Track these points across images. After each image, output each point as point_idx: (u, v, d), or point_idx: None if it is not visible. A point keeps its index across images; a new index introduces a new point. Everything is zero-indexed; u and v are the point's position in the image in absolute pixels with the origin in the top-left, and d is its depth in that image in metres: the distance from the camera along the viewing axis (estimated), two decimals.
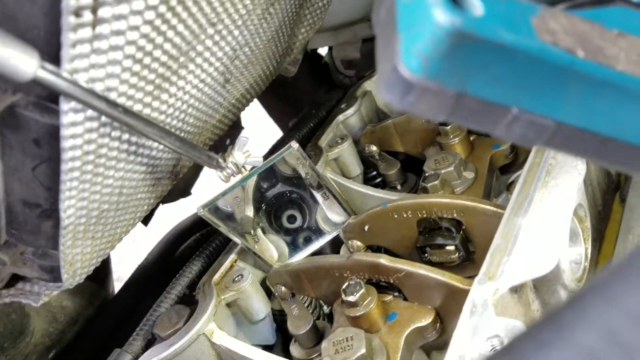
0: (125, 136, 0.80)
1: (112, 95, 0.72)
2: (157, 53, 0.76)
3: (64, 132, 0.70)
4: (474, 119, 0.50)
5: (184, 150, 0.84)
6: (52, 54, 0.67)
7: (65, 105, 0.68)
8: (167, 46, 0.78)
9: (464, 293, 0.91)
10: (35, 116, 0.72)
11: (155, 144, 0.90)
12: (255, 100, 2.37)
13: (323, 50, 2.30)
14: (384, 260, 0.97)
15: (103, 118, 0.73)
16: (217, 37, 0.89)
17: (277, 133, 2.79)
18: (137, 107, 0.79)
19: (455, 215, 1.01)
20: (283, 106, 2.74)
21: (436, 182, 1.08)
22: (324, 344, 0.93)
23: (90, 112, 0.71)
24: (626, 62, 0.47)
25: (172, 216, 2.03)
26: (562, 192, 0.84)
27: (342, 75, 2.07)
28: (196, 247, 1.95)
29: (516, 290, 0.79)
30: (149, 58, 0.74)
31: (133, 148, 0.84)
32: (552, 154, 0.92)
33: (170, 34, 0.77)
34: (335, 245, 1.33)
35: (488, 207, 0.98)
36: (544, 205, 0.84)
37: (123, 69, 0.70)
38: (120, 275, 3.41)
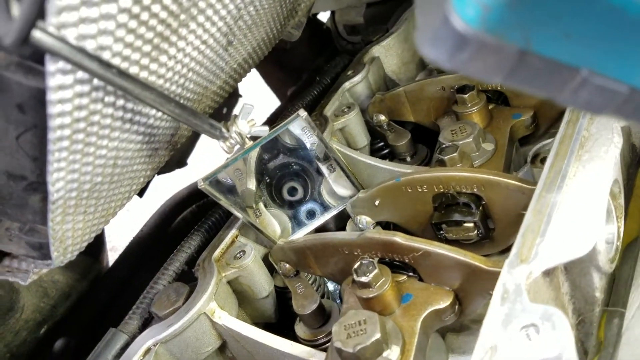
0: (121, 102, 0.72)
1: (105, 55, 0.63)
2: (156, 8, 0.68)
3: (51, 96, 0.62)
4: (536, 81, 0.42)
5: (184, 119, 0.76)
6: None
7: (51, 66, 0.60)
8: (167, 1, 0.69)
9: (487, 274, 0.85)
10: (19, 78, 0.64)
11: (153, 111, 0.82)
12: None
13: (324, 17, 2.20)
14: (399, 238, 0.91)
15: (95, 81, 0.65)
16: None
17: (274, 102, 2.71)
18: (133, 70, 0.70)
19: (475, 190, 0.94)
20: (281, 74, 2.65)
21: (454, 154, 1.01)
22: (334, 328, 0.86)
23: (80, 74, 0.63)
24: None
25: (168, 187, 1.96)
26: (599, 167, 0.77)
27: (345, 41, 1.98)
28: (192, 219, 1.89)
29: (548, 273, 0.73)
30: (146, 13, 0.65)
31: (129, 115, 0.76)
32: (585, 125, 0.84)
33: None
34: (340, 220, 1.26)
35: (512, 181, 0.91)
36: (579, 181, 0.77)
37: (117, 25, 0.62)
38: (115, 245, 3.35)
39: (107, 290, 1.70)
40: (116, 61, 0.66)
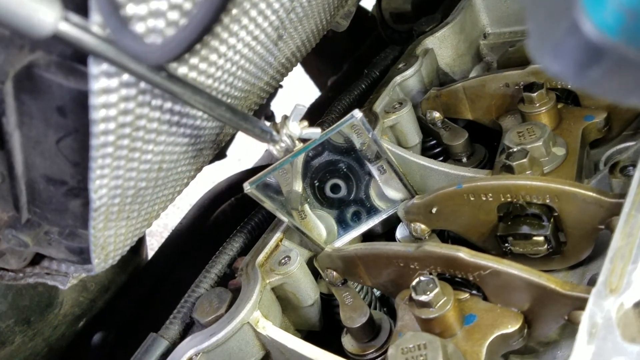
0: (168, 105, 0.66)
1: None
2: None
3: (94, 100, 0.56)
4: None
5: (234, 123, 0.70)
6: (77, 2, 0.52)
7: (95, 68, 0.54)
8: None
9: (562, 297, 0.77)
10: (59, 79, 0.58)
11: (200, 112, 0.75)
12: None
13: (369, 4, 2.11)
14: (464, 254, 0.83)
15: (142, 84, 0.59)
16: None
17: (314, 91, 2.64)
18: (182, 71, 0.64)
19: (547, 201, 0.86)
20: (321, 63, 2.58)
21: (524, 159, 0.92)
22: (391, 350, 0.80)
23: (126, 77, 0.57)
24: None
25: (206, 179, 1.92)
26: None
27: (391, 29, 1.88)
28: (231, 213, 1.85)
29: (638, 304, 0.64)
30: None
31: (176, 118, 0.70)
32: None
33: None
34: (388, 223, 1.19)
35: (590, 193, 0.82)
36: None
37: (168, 23, 0.55)
38: (151, 229, 3.35)
39: (146, 284, 1.68)
40: None
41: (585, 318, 0.62)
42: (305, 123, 0.88)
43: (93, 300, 1.60)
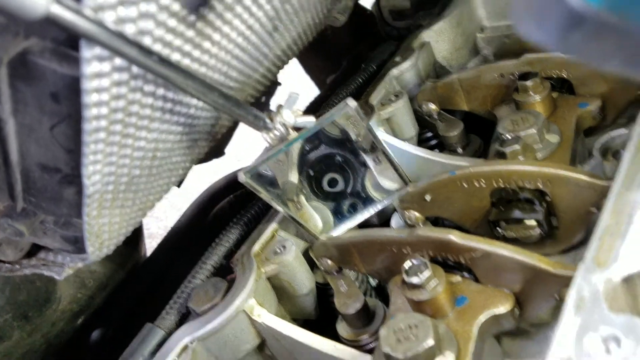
0: (161, 91, 0.67)
1: (146, 41, 0.58)
2: None
3: (87, 84, 0.57)
4: None
5: (227, 109, 0.71)
6: None
7: (87, 52, 0.55)
8: None
9: (553, 277, 0.78)
10: (53, 65, 0.59)
11: (194, 101, 0.76)
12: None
13: (367, 2, 2.12)
14: (455, 237, 0.84)
15: (134, 69, 0.60)
16: None
17: (313, 90, 2.64)
18: (175, 57, 0.65)
19: (539, 185, 0.87)
20: (320, 61, 2.58)
21: (517, 146, 0.93)
22: (382, 331, 0.80)
23: (118, 61, 0.57)
24: None
25: (205, 177, 1.93)
26: None
27: (391, 27, 1.89)
28: (230, 210, 1.86)
29: (627, 279, 0.65)
30: None
31: (169, 105, 0.71)
32: None
33: None
34: (384, 214, 1.20)
35: (582, 176, 0.83)
36: None
37: (160, 8, 0.56)
38: (152, 232, 3.35)
39: (145, 281, 1.68)
40: (157, 47, 0.61)
41: (572, 291, 0.63)
42: (300, 112, 0.88)
43: (91, 297, 1.61)
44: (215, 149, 1.89)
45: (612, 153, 0.86)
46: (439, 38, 1.37)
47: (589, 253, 0.66)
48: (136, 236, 1.78)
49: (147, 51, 0.56)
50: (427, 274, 0.83)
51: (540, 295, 0.81)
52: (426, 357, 0.77)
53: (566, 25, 0.33)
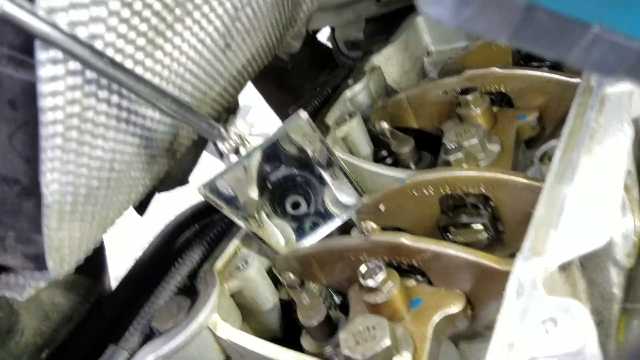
0: (115, 98, 0.70)
1: (98, 45, 0.62)
2: None
3: (42, 88, 0.60)
4: (544, 39, 0.40)
5: (180, 116, 0.74)
6: None
7: (42, 54, 0.58)
8: None
9: (500, 275, 0.81)
10: (9, 71, 0.62)
11: (149, 112, 0.79)
12: (254, 89, 2.25)
13: (324, 38, 2.20)
14: (405, 239, 0.88)
15: (88, 73, 0.63)
16: None
17: (277, 123, 2.69)
18: (128, 64, 0.68)
19: (482, 189, 0.91)
20: (282, 95, 2.64)
21: (459, 153, 0.98)
22: (341, 335, 0.83)
23: (72, 65, 0.61)
24: None
25: (170, 207, 1.93)
26: (611, 157, 0.75)
27: (346, 57, 1.98)
28: (196, 240, 1.86)
29: (564, 268, 0.69)
30: (139, 3, 0.64)
31: (124, 114, 0.74)
32: (594, 117, 0.82)
33: None
34: (345, 229, 1.23)
35: (520, 179, 0.88)
36: (591, 172, 0.74)
37: (110, 13, 0.60)
38: (119, 275, 3.29)
39: (109, 314, 1.66)
40: (109, 52, 0.64)
41: (513, 278, 0.67)
42: (253, 124, 0.92)
43: (55, 330, 1.58)
44: (180, 178, 1.90)
45: (549, 157, 0.91)
46: (388, 62, 1.44)
47: (526, 243, 0.70)
48: (99, 268, 1.76)
49: (98, 53, 0.59)
50: (382, 276, 0.86)
51: (489, 294, 0.84)
52: (384, 357, 0.79)
53: (458, 2, 0.38)
